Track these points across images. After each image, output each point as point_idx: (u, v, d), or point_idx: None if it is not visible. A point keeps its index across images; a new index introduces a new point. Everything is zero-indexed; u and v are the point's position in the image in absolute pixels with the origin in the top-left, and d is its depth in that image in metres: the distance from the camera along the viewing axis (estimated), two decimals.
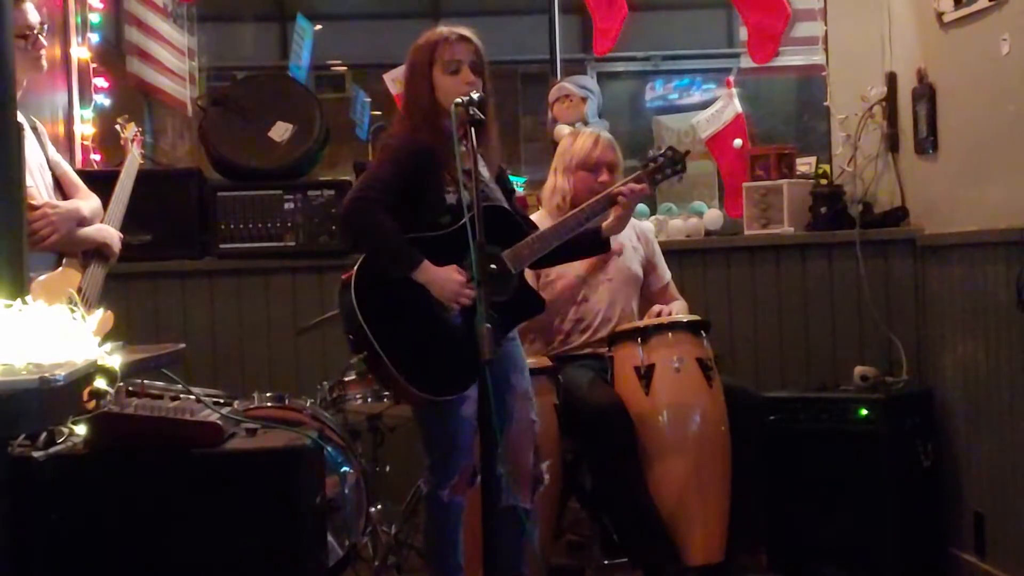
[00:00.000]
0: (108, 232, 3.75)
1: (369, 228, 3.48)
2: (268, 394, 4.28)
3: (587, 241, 3.81)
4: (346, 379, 4.35)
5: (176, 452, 2.91)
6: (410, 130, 3.60)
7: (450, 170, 3.44)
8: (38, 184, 3.55)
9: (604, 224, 3.83)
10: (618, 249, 4.52)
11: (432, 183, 3.53)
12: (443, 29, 3.61)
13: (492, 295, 3.40)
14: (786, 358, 5.12)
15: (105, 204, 3.80)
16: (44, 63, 3.69)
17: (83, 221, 3.64)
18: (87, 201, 3.70)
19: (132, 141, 4.19)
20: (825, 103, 5.35)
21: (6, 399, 1.66)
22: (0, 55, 2.42)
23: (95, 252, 3.68)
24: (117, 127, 4.30)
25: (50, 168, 3.69)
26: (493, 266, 3.27)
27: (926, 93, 4.71)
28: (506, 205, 3.66)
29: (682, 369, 4.22)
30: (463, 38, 3.58)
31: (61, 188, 3.70)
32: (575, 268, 4.41)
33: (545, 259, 3.77)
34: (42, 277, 3.44)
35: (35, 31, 3.62)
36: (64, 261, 3.60)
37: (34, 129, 3.69)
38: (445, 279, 3.45)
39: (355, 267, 3.52)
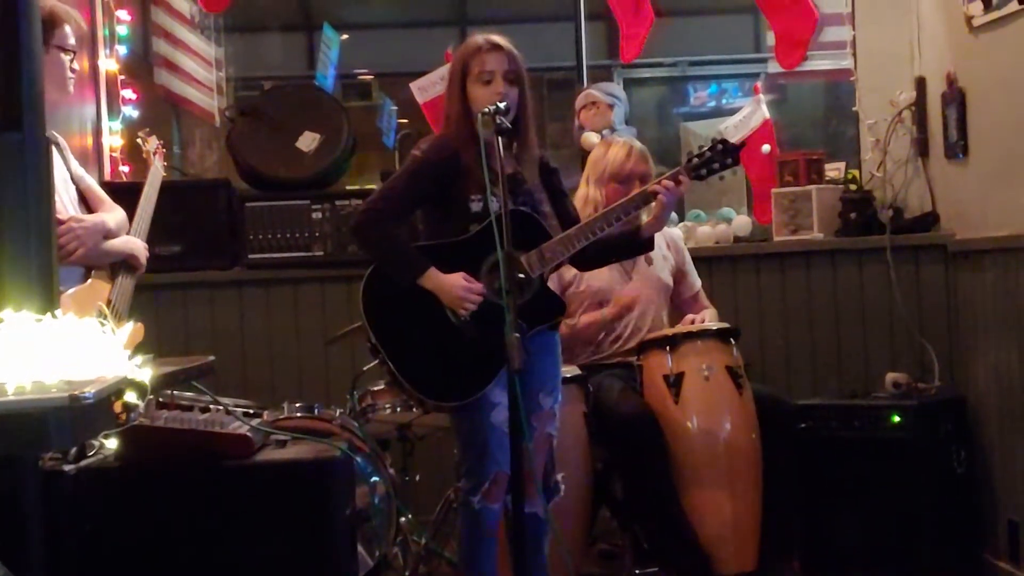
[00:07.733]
0: (134, 244, 3.76)
1: (375, 239, 3.57)
2: (298, 404, 4.28)
3: (626, 241, 3.75)
4: (375, 388, 4.35)
5: (207, 464, 2.92)
6: (439, 140, 3.63)
7: (479, 178, 3.43)
8: (63, 198, 3.56)
9: (644, 223, 3.77)
10: (648, 259, 4.50)
11: (457, 192, 3.54)
12: (478, 39, 3.61)
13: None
14: (817, 365, 5.09)
15: (130, 216, 3.82)
16: (72, 87, 3.70)
17: (109, 234, 3.65)
18: (112, 214, 3.72)
19: (154, 154, 4.22)
20: (854, 108, 5.33)
21: (37, 417, 1.67)
22: (29, 69, 2.43)
23: (122, 264, 3.71)
24: (139, 140, 4.34)
25: (74, 182, 3.70)
26: None
27: (956, 97, 4.68)
28: (535, 209, 3.60)
29: (711, 377, 4.21)
30: (495, 47, 3.57)
31: (86, 202, 3.72)
32: (600, 277, 4.39)
33: (587, 260, 3.77)
34: (71, 291, 3.46)
35: (75, 51, 3.65)
36: (92, 274, 3.62)
37: (55, 144, 3.70)
38: (451, 285, 3.49)
39: (364, 277, 3.60)
